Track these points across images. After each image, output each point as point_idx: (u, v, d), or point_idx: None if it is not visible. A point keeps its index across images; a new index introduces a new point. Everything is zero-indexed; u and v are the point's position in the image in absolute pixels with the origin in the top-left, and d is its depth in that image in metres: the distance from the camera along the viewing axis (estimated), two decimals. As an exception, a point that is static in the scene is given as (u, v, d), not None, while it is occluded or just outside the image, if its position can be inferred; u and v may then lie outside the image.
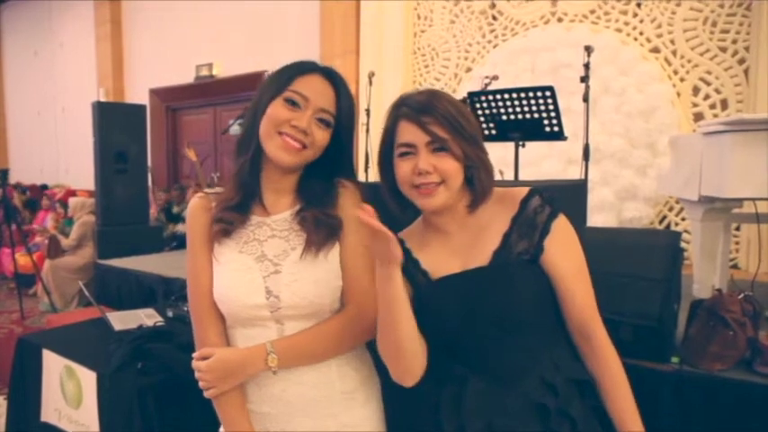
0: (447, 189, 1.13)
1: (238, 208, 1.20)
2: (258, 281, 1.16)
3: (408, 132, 1.13)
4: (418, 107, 1.12)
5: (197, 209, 1.24)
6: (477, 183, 1.15)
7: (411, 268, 1.21)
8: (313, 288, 1.16)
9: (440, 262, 1.20)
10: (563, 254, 1.14)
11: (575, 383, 1.12)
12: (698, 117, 4.45)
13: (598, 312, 1.15)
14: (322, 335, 1.18)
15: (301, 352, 1.17)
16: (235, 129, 5.12)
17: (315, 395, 1.18)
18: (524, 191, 1.18)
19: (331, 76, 1.20)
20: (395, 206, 1.24)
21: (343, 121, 1.20)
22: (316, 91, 1.17)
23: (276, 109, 1.15)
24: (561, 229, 1.15)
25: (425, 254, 1.22)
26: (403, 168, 1.14)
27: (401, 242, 1.24)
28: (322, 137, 1.17)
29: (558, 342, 1.16)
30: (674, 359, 1.90)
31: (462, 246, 1.19)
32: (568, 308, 1.14)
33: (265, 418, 1.19)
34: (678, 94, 4.51)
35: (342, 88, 1.20)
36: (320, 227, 1.17)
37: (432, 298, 1.18)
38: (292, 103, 1.15)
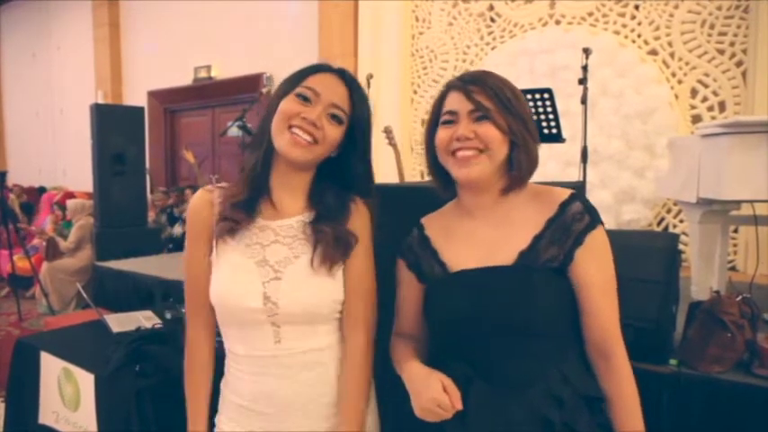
0: (489, 158, 1.09)
1: (246, 206, 1.18)
2: (257, 285, 1.15)
3: (453, 101, 1.12)
4: (468, 78, 1.12)
5: (200, 203, 1.23)
6: (516, 163, 1.10)
7: (428, 258, 1.20)
8: (313, 299, 1.16)
9: (460, 254, 1.16)
10: (593, 267, 1.08)
11: (584, 399, 1.08)
12: (696, 119, 4.45)
13: (620, 332, 1.10)
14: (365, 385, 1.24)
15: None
16: (233, 131, 5.11)
17: (311, 394, 1.18)
18: (566, 193, 1.12)
19: (344, 76, 1.21)
20: (438, 184, 1.23)
21: (356, 121, 1.20)
22: (327, 87, 1.17)
23: (287, 104, 1.15)
24: (596, 241, 1.09)
25: (447, 244, 1.19)
26: (441, 135, 1.13)
27: (421, 228, 1.24)
28: (334, 132, 1.17)
29: (572, 354, 1.11)
30: (673, 361, 1.90)
31: (487, 239, 1.14)
32: (590, 323, 1.09)
33: (260, 416, 1.19)
34: (676, 96, 4.52)
35: (355, 88, 1.20)
36: (339, 243, 1.17)
37: (445, 291, 1.15)
38: (303, 98, 1.15)
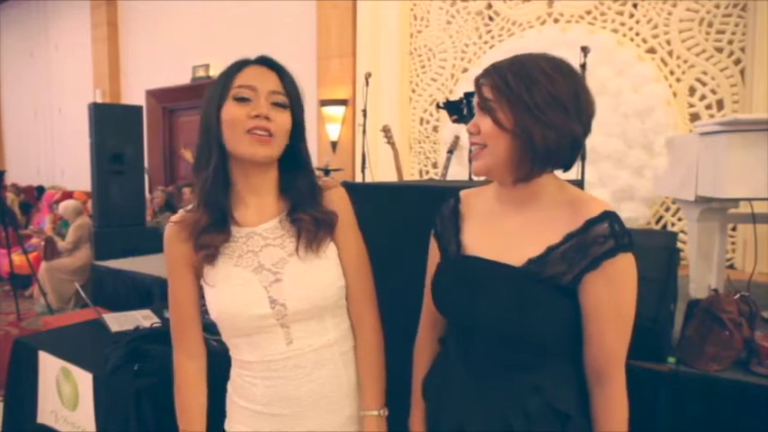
0: (488, 154, 1.04)
1: (215, 227, 1.16)
2: (260, 292, 1.15)
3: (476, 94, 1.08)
4: (486, 68, 1.06)
5: (172, 239, 1.21)
6: (515, 156, 1.01)
7: (450, 233, 1.18)
8: (318, 292, 1.17)
9: (479, 239, 1.13)
10: (605, 295, 1.00)
11: (557, 412, 1.04)
12: (694, 117, 4.46)
13: (624, 364, 1.04)
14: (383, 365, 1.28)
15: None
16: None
17: (324, 391, 1.19)
18: (597, 210, 1.02)
19: (267, 62, 1.19)
20: None
21: (294, 100, 1.18)
22: (258, 78, 1.15)
23: (230, 111, 1.12)
24: (615, 269, 0.99)
25: (473, 224, 1.16)
26: (467, 128, 1.10)
27: (457, 201, 1.22)
28: (283, 119, 1.15)
29: (556, 366, 1.07)
30: (671, 359, 1.90)
31: (511, 232, 1.08)
32: (591, 348, 1.04)
33: (275, 419, 1.19)
34: (674, 95, 4.52)
35: (281, 68, 1.19)
36: (321, 225, 1.18)
37: (448, 272, 1.15)
38: (242, 99, 1.12)
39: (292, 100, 1.18)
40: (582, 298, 1.02)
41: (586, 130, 1.06)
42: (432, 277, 1.19)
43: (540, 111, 0.98)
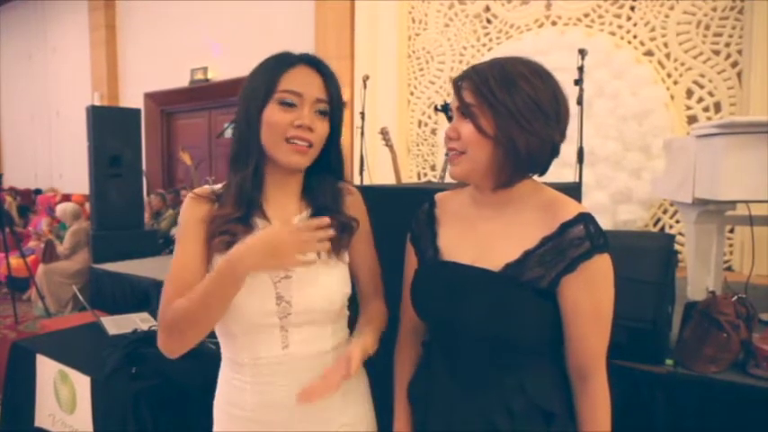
0: (468, 159, 1.03)
1: (241, 220, 1.14)
2: (268, 286, 1.12)
3: (452, 97, 1.08)
4: (465, 71, 1.05)
5: (192, 207, 1.16)
6: (497, 163, 1.02)
7: (427, 238, 1.18)
8: (326, 294, 1.15)
9: (457, 244, 1.13)
10: (583, 295, 1.01)
11: (541, 411, 1.05)
12: (692, 120, 4.46)
13: (604, 360, 1.05)
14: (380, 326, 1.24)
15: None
16: (229, 132, 5.10)
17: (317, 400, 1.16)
18: (572, 212, 1.02)
19: (314, 63, 1.17)
20: None
21: (335, 106, 1.17)
22: (305, 83, 1.13)
23: (273, 115, 1.10)
24: (591, 270, 1.00)
25: (449, 229, 1.16)
26: (445, 132, 1.09)
27: (432, 205, 1.22)
28: (324, 128, 1.15)
29: (539, 366, 1.08)
30: (668, 361, 1.91)
31: (489, 236, 1.09)
32: (572, 347, 1.05)
33: (265, 425, 1.16)
34: (672, 97, 4.53)
35: (328, 73, 1.17)
36: (344, 231, 1.18)
37: (427, 278, 1.15)
38: (288, 105, 1.11)
39: (333, 107, 1.16)
40: (561, 300, 1.03)
41: (563, 135, 1.06)
42: (410, 283, 1.19)
43: (523, 117, 0.99)
